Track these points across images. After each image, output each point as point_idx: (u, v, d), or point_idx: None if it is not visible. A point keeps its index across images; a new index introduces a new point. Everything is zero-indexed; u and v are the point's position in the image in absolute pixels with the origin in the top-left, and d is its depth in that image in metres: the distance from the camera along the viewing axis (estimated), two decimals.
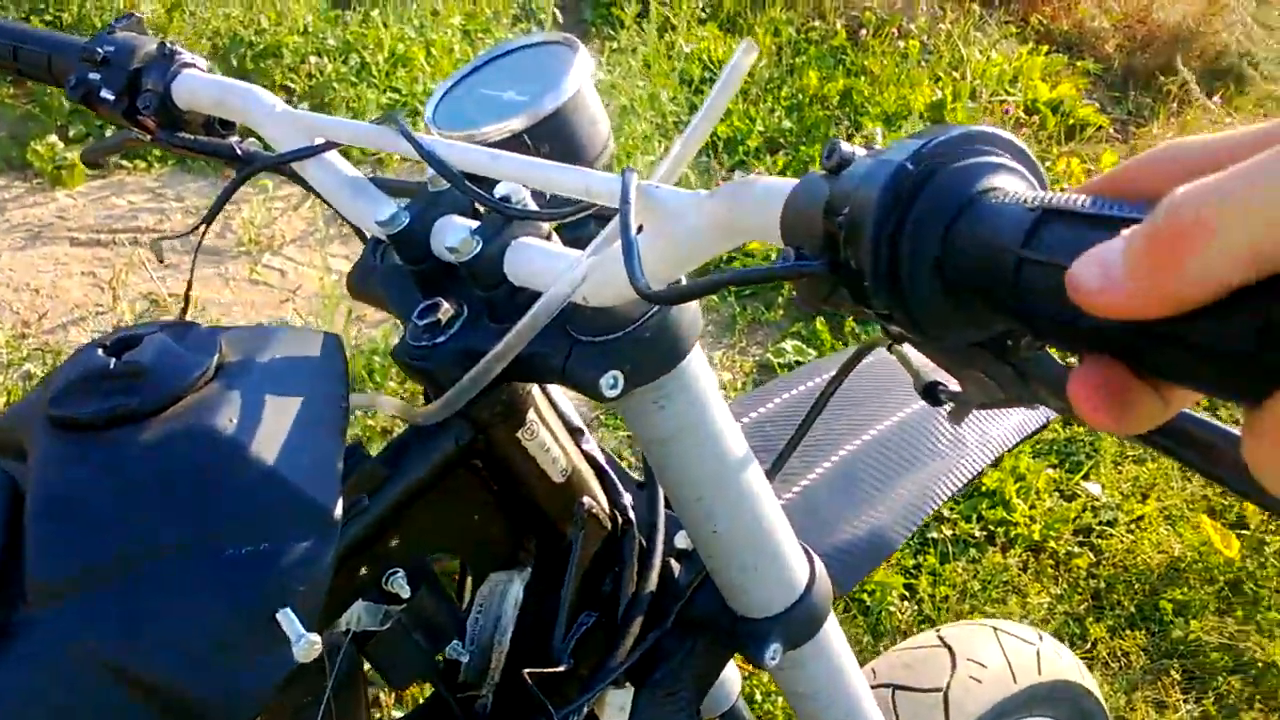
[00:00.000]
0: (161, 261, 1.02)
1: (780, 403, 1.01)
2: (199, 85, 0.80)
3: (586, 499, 0.75)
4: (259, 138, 0.79)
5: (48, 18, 3.26)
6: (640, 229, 0.54)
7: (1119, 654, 2.03)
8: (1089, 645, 2.03)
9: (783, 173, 3.29)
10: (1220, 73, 4.30)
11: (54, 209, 2.88)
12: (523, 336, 0.57)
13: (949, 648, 1.14)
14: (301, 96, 3.25)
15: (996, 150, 0.37)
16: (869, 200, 0.37)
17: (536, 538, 0.76)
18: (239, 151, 0.83)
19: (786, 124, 3.50)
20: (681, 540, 0.80)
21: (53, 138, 2.91)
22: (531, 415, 0.70)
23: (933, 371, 0.59)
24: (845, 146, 0.41)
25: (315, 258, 2.76)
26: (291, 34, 3.41)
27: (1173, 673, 1.99)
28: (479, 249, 0.62)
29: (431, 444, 0.66)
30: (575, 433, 0.77)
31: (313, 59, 3.31)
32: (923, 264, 0.36)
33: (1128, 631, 2.07)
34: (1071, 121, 3.80)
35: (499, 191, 0.64)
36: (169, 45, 0.81)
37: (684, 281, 0.58)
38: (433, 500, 0.68)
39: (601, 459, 0.79)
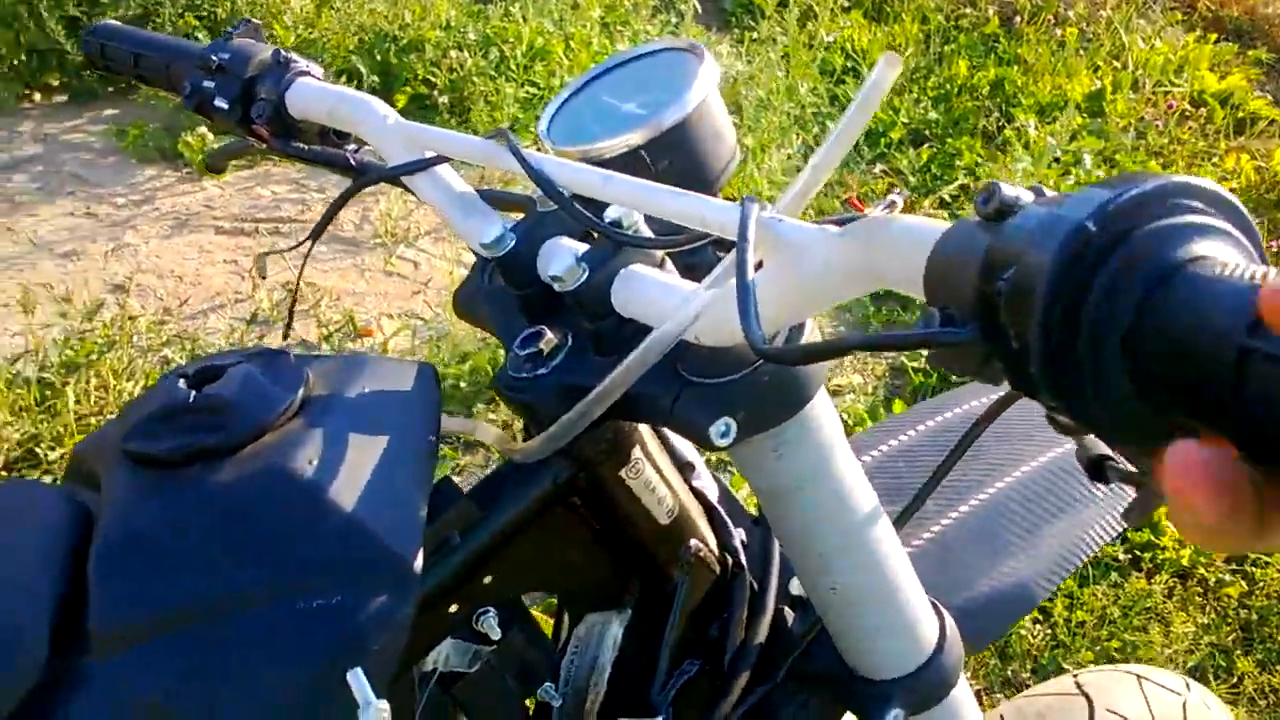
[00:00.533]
0: (264, 278, 1.01)
1: (913, 436, 0.93)
2: (312, 94, 0.78)
3: (694, 541, 0.70)
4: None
5: (202, 14, 3.37)
6: (760, 265, 0.48)
7: (1267, 690, 1.89)
8: (1235, 680, 1.89)
9: (928, 166, 3.16)
10: None
11: (201, 198, 2.98)
12: (629, 375, 0.53)
13: (1086, 696, 1.05)
14: (442, 90, 3.28)
15: (1204, 208, 0.30)
16: (1040, 265, 0.30)
17: (640, 578, 0.71)
18: (353, 162, 0.81)
19: (933, 115, 3.37)
20: (796, 586, 0.74)
21: (203, 129, 3.00)
22: (637, 452, 0.65)
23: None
24: (1007, 190, 0.34)
25: (448, 250, 2.78)
26: (434, 29, 3.44)
27: None
28: (585, 277, 0.58)
29: (528, 482, 0.63)
30: (685, 468, 0.72)
31: (453, 53, 3.34)
32: (1107, 350, 0.29)
33: (1278, 667, 1.91)
34: (1241, 115, 3.57)
35: (609, 215, 0.59)
36: (284, 53, 0.79)
37: (809, 327, 0.52)
38: (528, 537, 0.64)
39: (714, 494, 0.74)
